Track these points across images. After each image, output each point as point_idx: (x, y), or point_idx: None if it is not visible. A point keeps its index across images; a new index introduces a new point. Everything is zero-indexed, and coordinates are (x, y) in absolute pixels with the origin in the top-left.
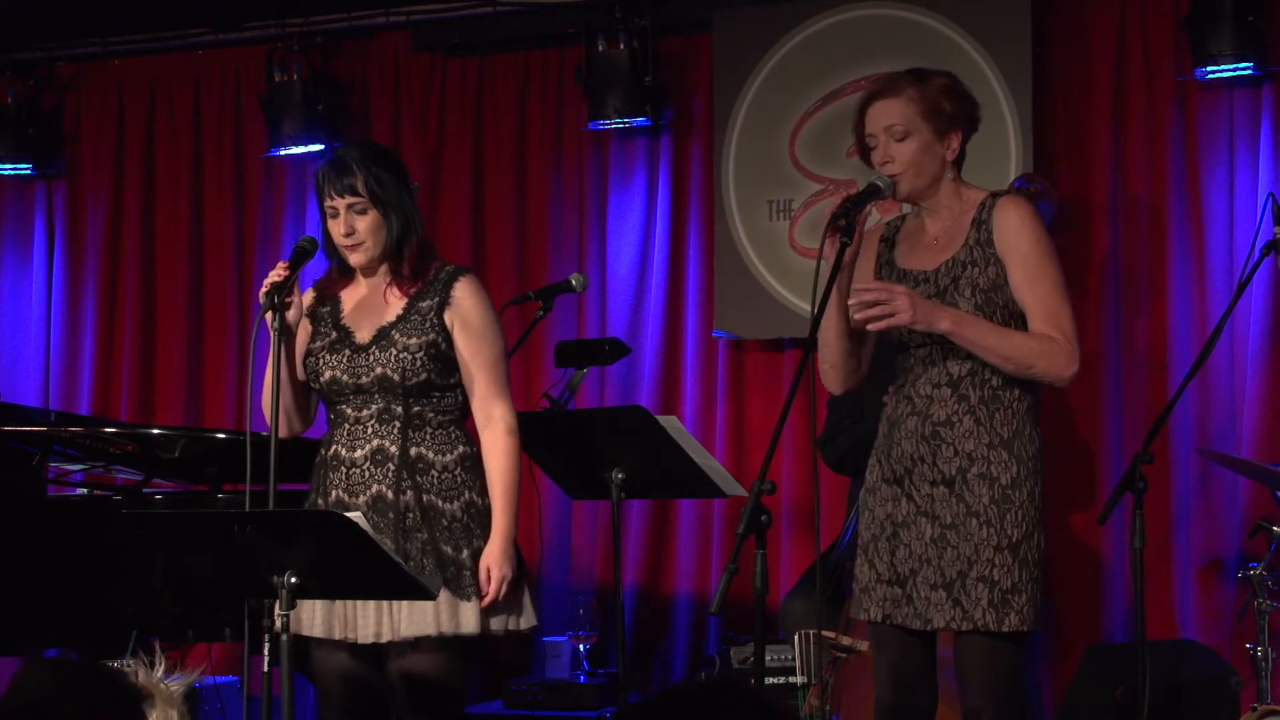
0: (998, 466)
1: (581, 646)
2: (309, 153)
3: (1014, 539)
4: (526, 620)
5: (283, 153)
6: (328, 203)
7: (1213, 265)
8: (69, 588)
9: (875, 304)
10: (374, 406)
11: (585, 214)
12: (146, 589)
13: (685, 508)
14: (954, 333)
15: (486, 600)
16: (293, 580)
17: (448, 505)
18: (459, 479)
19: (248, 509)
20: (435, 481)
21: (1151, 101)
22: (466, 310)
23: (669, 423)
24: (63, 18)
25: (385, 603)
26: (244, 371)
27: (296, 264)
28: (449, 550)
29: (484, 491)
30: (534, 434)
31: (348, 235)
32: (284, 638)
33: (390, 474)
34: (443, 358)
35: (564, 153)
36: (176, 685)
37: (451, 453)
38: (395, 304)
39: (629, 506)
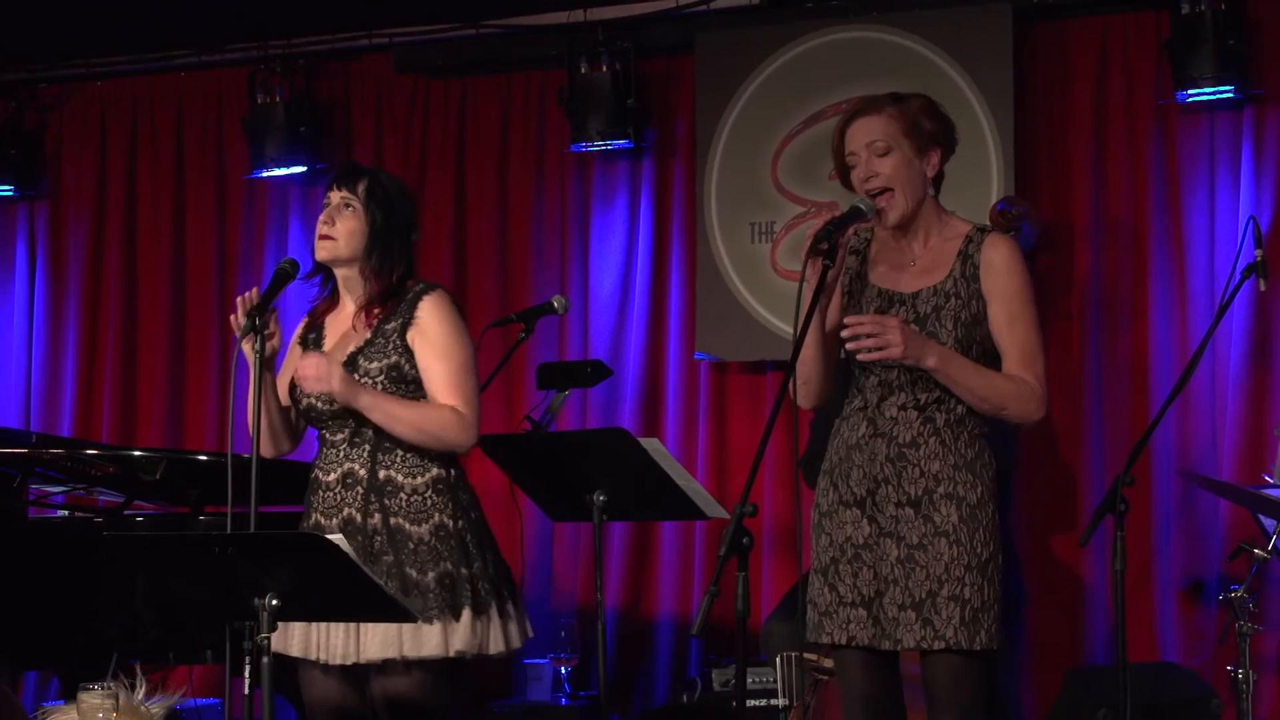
0: (964, 487)
1: (563, 669)
2: (291, 174)
3: (982, 558)
4: (496, 645)
5: (265, 174)
6: (327, 195)
7: (1194, 288)
8: (49, 610)
9: (868, 335)
10: (346, 430)
11: (567, 236)
12: (127, 611)
13: (667, 530)
14: (939, 370)
15: (300, 372)
16: (274, 603)
17: (415, 528)
18: (429, 501)
19: (229, 531)
20: (404, 504)
21: (1133, 124)
22: (426, 325)
23: (651, 445)
24: (45, 39)
25: (353, 625)
26: (226, 393)
27: (277, 286)
28: (413, 573)
29: (455, 514)
30: (515, 456)
31: (325, 224)
32: (265, 660)
33: (359, 497)
34: (405, 379)
35: (546, 175)
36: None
37: (423, 475)
38: (363, 330)
39: (610, 529)
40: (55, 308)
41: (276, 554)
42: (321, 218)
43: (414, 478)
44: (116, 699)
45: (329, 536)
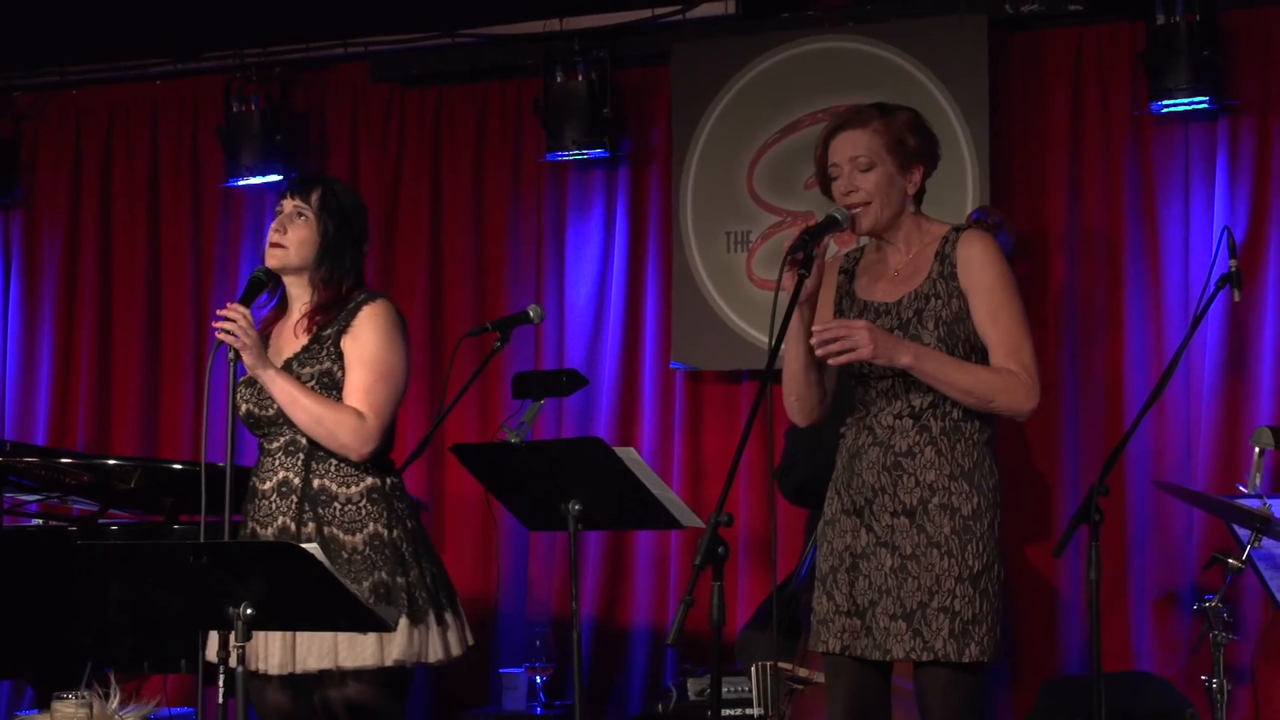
0: (959, 497)
1: (538, 678)
2: (267, 183)
3: (975, 570)
4: (435, 653)
5: (240, 183)
6: (280, 204)
7: (1168, 298)
8: (23, 619)
9: (835, 339)
10: (282, 439)
11: (543, 245)
12: (102, 620)
13: (642, 539)
14: (915, 367)
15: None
16: (249, 612)
17: (349, 538)
18: (363, 511)
19: (203, 540)
20: (337, 514)
21: (1108, 135)
22: (359, 331)
23: (626, 454)
24: (20, 47)
25: (290, 634)
26: (201, 402)
27: (251, 295)
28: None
29: (389, 524)
30: (491, 466)
31: (276, 232)
32: (239, 669)
33: (293, 506)
34: (336, 385)
35: (522, 184)
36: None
37: (356, 484)
38: (303, 337)
39: (586, 538)
40: (30, 316)
41: (251, 563)
42: (273, 225)
43: (348, 486)
44: (91, 708)
45: (304, 546)
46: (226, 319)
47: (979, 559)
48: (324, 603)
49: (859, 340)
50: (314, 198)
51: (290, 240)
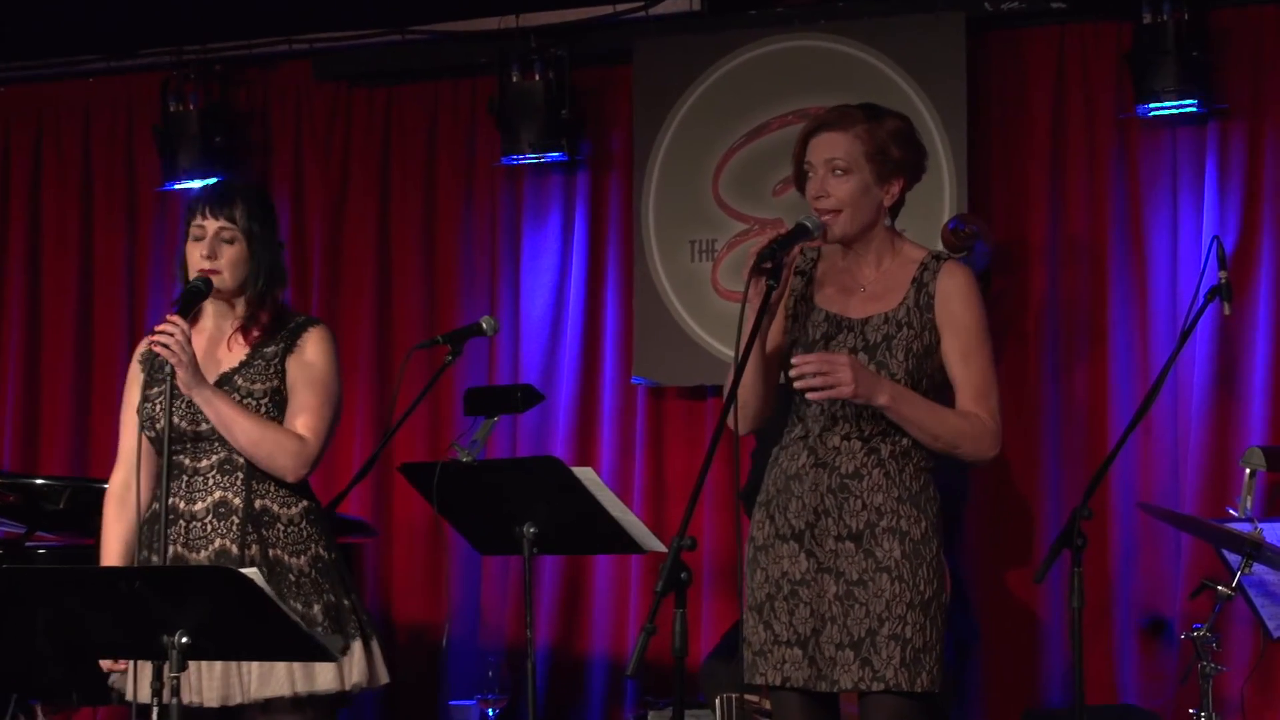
0: (908, 521)
1: (490, 710)
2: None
3: (925, 596)
4: (382, 676)
5: (178, 186)
6: (196, 223)
7: (1155, 311)
8: None
9: (816, 374)
10: (215, 456)
11: (497, 253)
12: (27, 648)
13: (601, 564)
14: (891, 408)
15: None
16: (184, 640)
17: (294, 560)
18: (305, 533)
19: (136, 564)
20: (281, 535)
21: (1091, 139)
22: (308, 354)
23: (584, 474)
24: None
25: (234, 664)
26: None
27: (189, 305)
28: (298, 606)
29: (330, 545)
30: (441, 486)
31: (208, 258)
32: (174, 701)
33: (234, 528)
34: (284, 405)
35: (475, 189)
36: None
37: (296, 505)
38: (238, 350)
39: (541, 563)
40: None
41: (187, 589)
42: (200, 250)
43: (289, 508)
44: None
45: (244, 571)
46: (163, 332)
47: (929, 585)
48: (264, 630)
49: (842, 378)
50: (238, 214)
51: (223, 264)
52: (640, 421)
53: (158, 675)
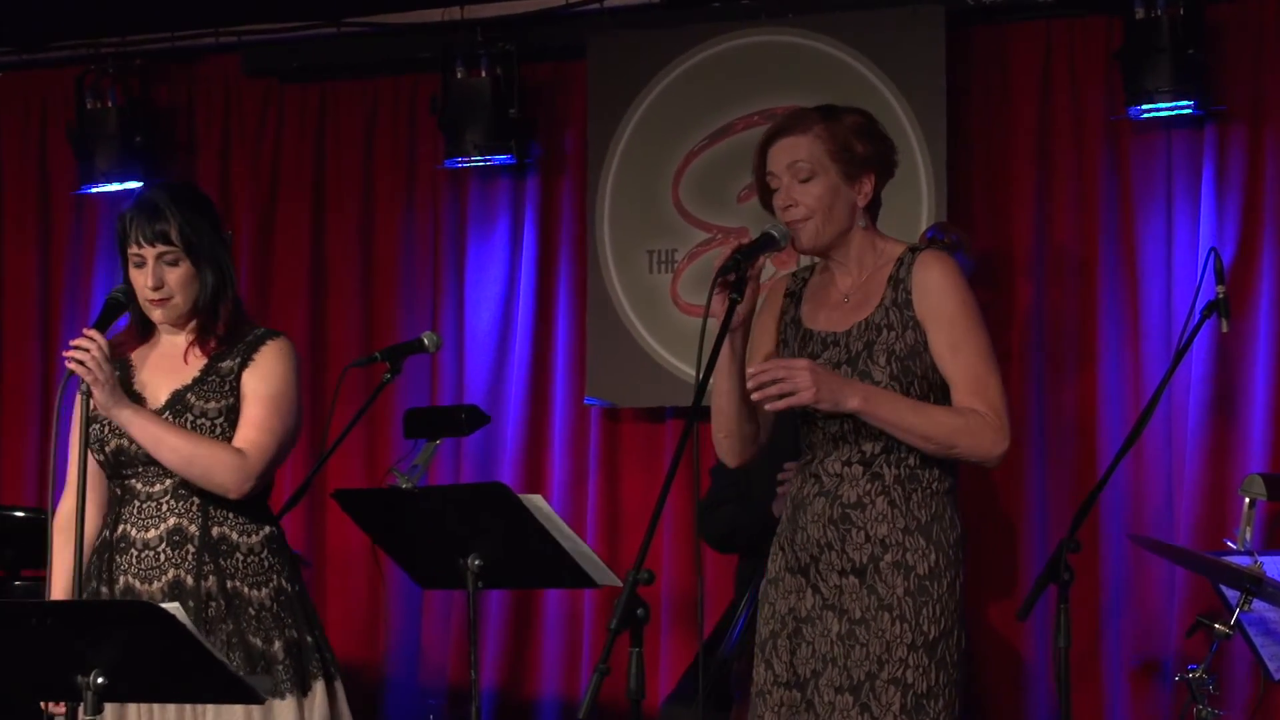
0: (914, 554)
1: None
2: (125, 190)
3: (930, 636)
4: (347, 717)
5: (95, 190)
6: (133, 250)
7: (1148, 328)
8: None
9: (773, 381)
10: (169, 480)
11: (440, 264)
12: None
13: (551, 599)
14: (865, 411)
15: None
16: (100, 681)
17: (254, 592)
18: (266, 563)
19: (48, 598)
20: (240, 565)
21: (1080, 143)
22: (262, 367)
23: (533, 502)
24: None
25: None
26: (47, 440)
27: (108, 318)
28: (258, 642)
29: (293, 577)
30: (378, 514)
31: (155, 289)
32: None
33: (190, 557)
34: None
35: (416, 194)
36: None
37: (257, 534)
38: (194, 364)
39: (487, 598)
40: None
41: (103, 625)
42: (145, 281)
43: (249, 536)
44: None
45: (164, 605)
46: (79, 348)
47: (935, 624)
48: (187, 671)
49: (799, 382)
50: (173, 232)
51: (173, 289)
52: (594, 445)
53: (72, 717)
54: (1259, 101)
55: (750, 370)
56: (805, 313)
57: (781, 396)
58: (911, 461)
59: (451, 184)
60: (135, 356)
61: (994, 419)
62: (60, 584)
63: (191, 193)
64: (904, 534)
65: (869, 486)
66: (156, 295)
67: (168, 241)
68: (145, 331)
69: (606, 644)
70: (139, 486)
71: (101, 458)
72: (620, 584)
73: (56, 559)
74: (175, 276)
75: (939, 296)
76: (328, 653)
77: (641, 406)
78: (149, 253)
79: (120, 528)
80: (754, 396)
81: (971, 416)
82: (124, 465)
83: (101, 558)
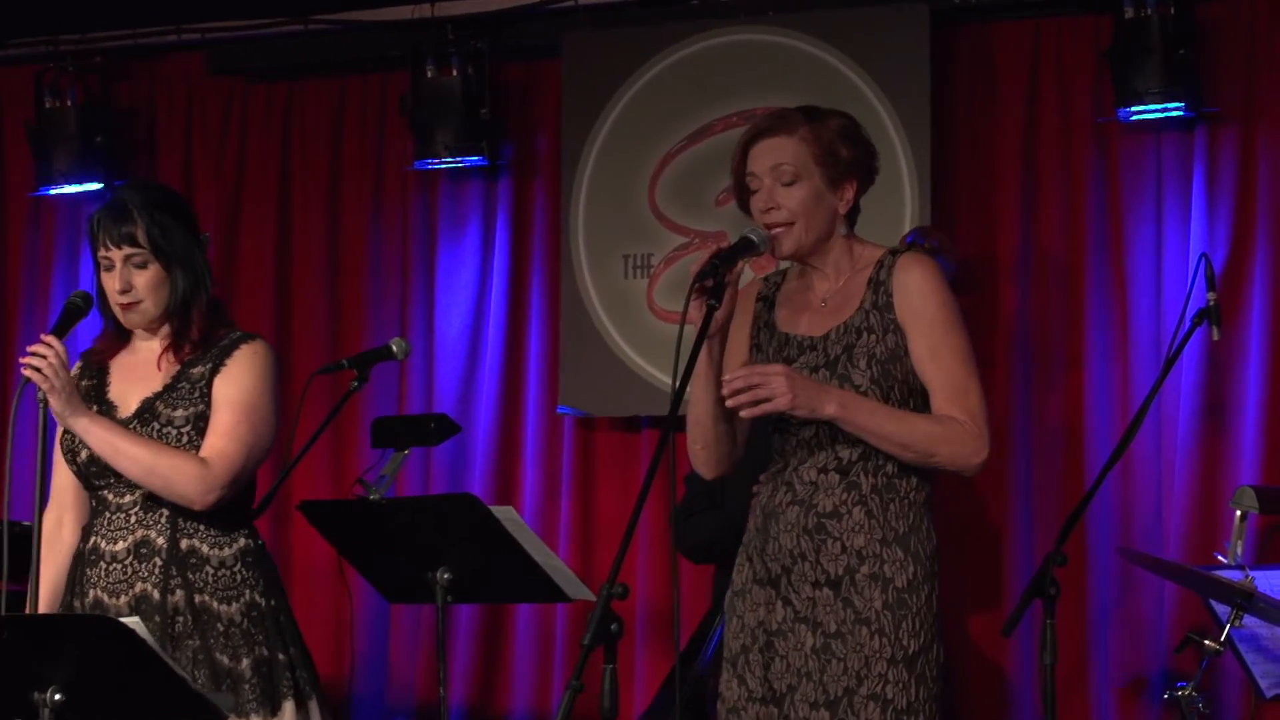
0: (892, 566)
1: None
2: (84, 192)
3: (910, 651)
4: None
5: (53, 191)
6: (102, 253)
7: (1137, 336)
8: None
9: (747, 388)
10: (137, 492)
11: (409, 268)
12: None
13: (522, 614)
14: (842, 418)
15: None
16: (57, 698)
17: (224, 607)
18: (238, 577)
19: (3, 613)
20: (210, 579)
21: (1067, 145)
22: (232, 371)
23: (504, 514)
24: None
25: None
26: (3, 450)
27: (66, 324)
28: (225, 660)
29: (267, 591)
30: (345, 526)
31: (124, 292)
32: None
33: (157, 570)
34: None
35: (385, 196)
36: None
37: (230, 546)
38: (166, 371)
39: (457, 612)
40: None
41: (61, 640)
42: (114, 285)
43: (221, 549)
44: None
45: (124, 620)
46: (35, 354)
47: (915, 638)
48: (148, 688)
49: (775, 389)
50: (140, 234)
51: (141, 293)
52: (567, 456)
53: None
54: (1251, 103)
55: (725, 377)
56: (780, 317)
57: (756, 403)
58: (889, 470)
59: (421, 186)
60: (114, 364)
61: (974, 427)
62: (43, 598)
63: (163, 194)
64: (881, 545)
65: (845, 495)
66: (125, 299)
67: (135, 244)
68: (122, 337)
69: (579, 660)
70: (110, 498)
71: (75, 468)
72: (594, 598)
73: (43, 573)
74: (144, 280)
75: (920, 299)
76: (303, 671)
77: (616, 416)
78: (116, 255)
79: (91, 540)
80: (729, 403)
81: (951, 424)
82: (95, 476)
83: (75, 571)
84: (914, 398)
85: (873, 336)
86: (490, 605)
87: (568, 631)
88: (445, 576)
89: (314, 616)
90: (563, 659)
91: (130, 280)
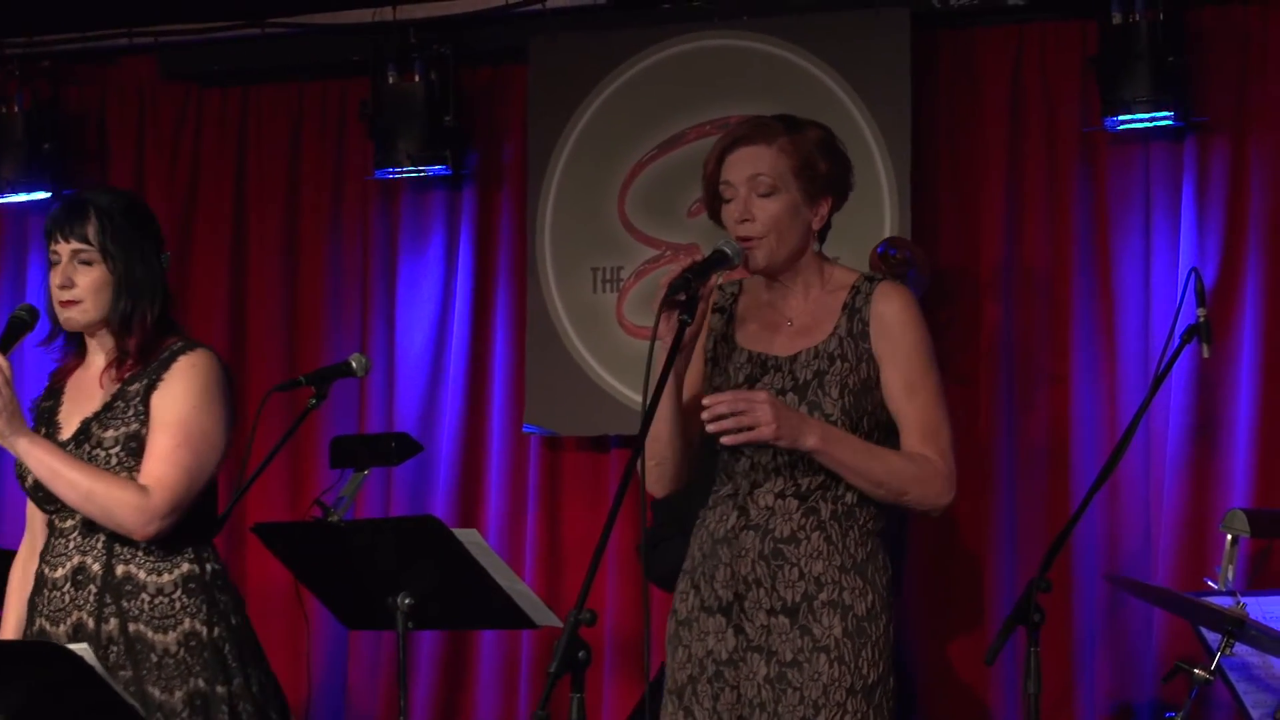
0: (851, 594)
1: None
2: (32, 201)
3: (870, 680)
4: None
5: (1, 200)
6: (51, 247)
7: (1124, 352)
8: None
9: (730, 415)
10: (77, 516)
11: (369, 281)
12: None
13: (486, 641)
14: (822, 451)
15: None
16: None
17: (159, 637)
18: (177, 604)
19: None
20: (145, 607)
21: (1052, 156)
22: (169, 387)
23: (468, 537)
24: None
25: None
26: None
27: (11, 339)
28: (156, 693)
29: (209, 620)
30: (301, 549)
31: (64, 288)
32: None
33: (91, 598)
34: (143, 453)
35: (344, 206)
36: None
37: (169, 572)
38: (107, 389)
39: (418, 639)
40: None
41: (6, 668)
42: (55, 280)
43: (159, 575)
44: None
45: (72, 647)
46: None
47: (874, 668)
48: (98, 715)
49: (760, 417)
50: (90, 231)
51: (82, 291)
52: (533, 476)
53: None
54: (1242, 112)
55: (706, 400)
56: (744, 333)
57: (740, 430)
58: (849, 499)
59: (382, 196)
60: (69, 383)
61: (944, 468)
62: (9, 625)
63: (128, 200)
64: (840, 572)
65: (804, 521)
66: (64, 295)
67: (84, 240)
68: (79, 354)
69: (546, 689)
70: (56, 523)
71: (26, 492)
72: (560, 624)
73: (9, 600)
74: (87, 279)
75: (900, 331)
76: (246, 704)
77: (584, 435)
78: (64, 250)
79: (41, 566)
80: (710, 428)
81: (924, 464)
82: (43, 500)
83: (30, 599)
84: (878, 430)
85: (846, 365)
86: (453, 632)
87: (533, 659)
88: (406, 602)
89: (269, 643)
90: (528, 688)
91: (73, 277)
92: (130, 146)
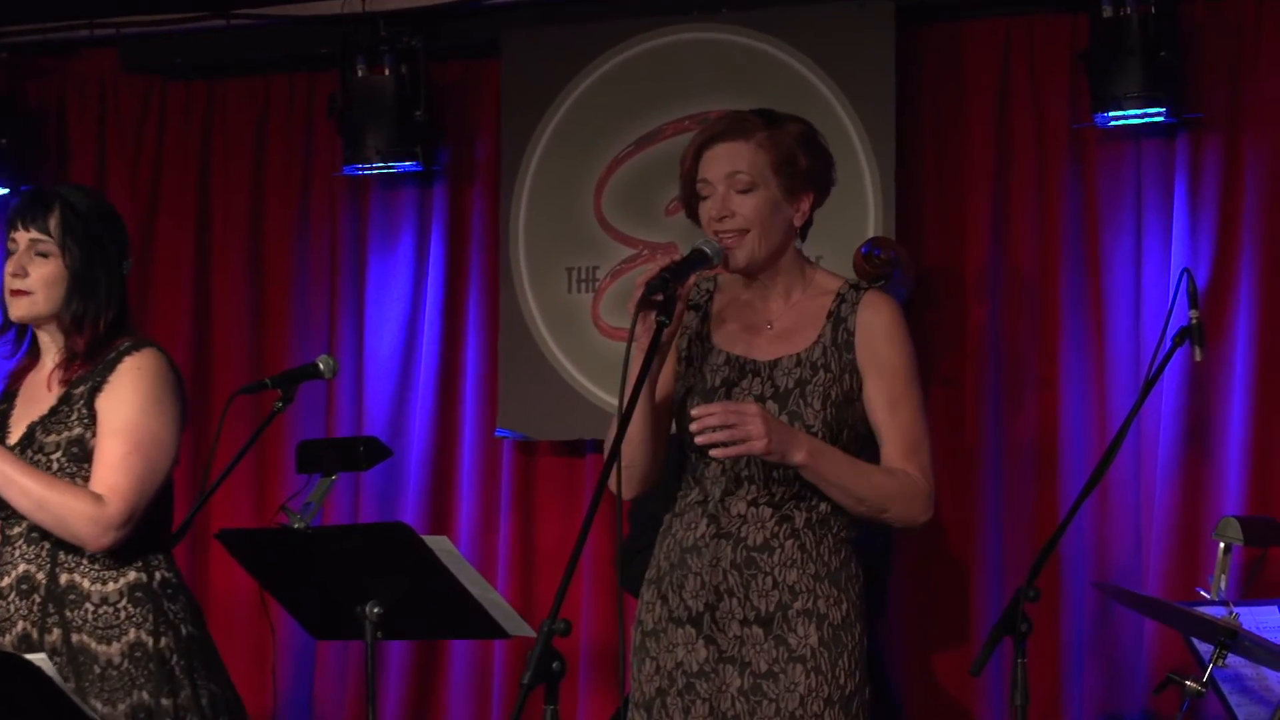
0: (826, 602)
1: None
2: None
3: (846, 690)
4: None
5: None
6: (11, 234)
7: (1115, 355)
8: None
9: (721, 427)
10: (23, 523)
11: (338, 281)
12: None
13: (458, 651)
14: (809, 466)
15: None
16: None
17: (103, 648)
18: (122, 614)
19: None
20: (89, 617)
21: (1041, 153)
22: (114, 389)
23: (438, 544)
24: None
25: None
26: None
27: None
28: (99, 705)
29: (156, 630)
30: (267, 557)
31: (15, 275)
32: None
33: (35, 608)
34: (89, 457)
35: (312, 203)
36: None
37: (114, 581)
38: (55, 393)
39: (387, 649)
40: None
41: None
42: (9, 267)
43: (104, 584)
44: None
45: (30, 658)
46: None
47: (850, 678)
48: None
49: (752, 430)
50: (52, 223)
51: (34, 283)
52: (506, 481)
53: None
54: (1236, 108)
55: (694, 411)
56: (720, 334)
57: (731, 443)
58: (823, 508)
59: (351, 193)
60: (23, 386)
61: (925, 485)
62: None
63: (96, 200)
64: (814, 580)
65: (777, 529)
66: (15, 284)
67: (44, 231)
68: (33, 354)
69: (519, 701)
70: (5, 529)
71: None
72: (534, 634)
73: None
74: (41, 271)
75: (886, 344)
76: (193, 717)
77: (559, 439)
78: (22, 238)
79: None
80: (699, 440)
81: (905, 481)
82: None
83: None
84: (856, 443)
85: (829, 375)
86: (423, 642)
87: (506, 670)
88: (375, 611)
89: (234, 653)
90: (501, 700)
91: (27, 267)
92: (91, 141)
